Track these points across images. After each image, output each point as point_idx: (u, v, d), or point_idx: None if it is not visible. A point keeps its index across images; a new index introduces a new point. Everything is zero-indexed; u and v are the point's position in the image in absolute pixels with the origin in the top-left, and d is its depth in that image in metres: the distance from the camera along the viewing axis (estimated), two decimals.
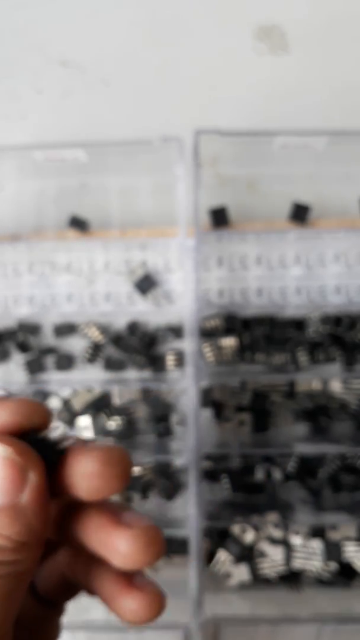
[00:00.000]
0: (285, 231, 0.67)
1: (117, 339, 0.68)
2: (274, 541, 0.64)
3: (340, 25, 0.71)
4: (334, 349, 0.66)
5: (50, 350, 0.68)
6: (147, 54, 0.71)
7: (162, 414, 0.67)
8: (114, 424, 0.66)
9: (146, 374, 0.68)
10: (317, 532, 0.64)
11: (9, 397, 0.25)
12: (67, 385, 0.68)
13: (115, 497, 0.66)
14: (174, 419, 0.67)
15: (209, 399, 0.66)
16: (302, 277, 0.68)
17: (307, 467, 0.65)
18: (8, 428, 0.24)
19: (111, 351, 0.68)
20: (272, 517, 0.62)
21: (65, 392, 0.68)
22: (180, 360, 0.66)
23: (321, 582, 0.64)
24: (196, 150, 0.58)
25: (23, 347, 0.68)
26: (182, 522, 0.62)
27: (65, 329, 0.68)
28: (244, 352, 0.66)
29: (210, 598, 0.60)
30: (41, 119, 0.72)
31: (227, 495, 0.65)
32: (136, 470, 0.65)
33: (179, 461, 0.65)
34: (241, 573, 0.63)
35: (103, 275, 0.69)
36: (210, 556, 0.64)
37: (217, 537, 0.65)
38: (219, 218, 0.66)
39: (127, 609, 0.25)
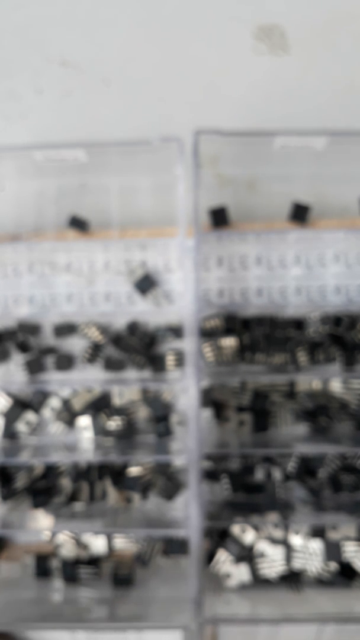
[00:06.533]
0: (285, 231, 0.67)
1: (117, 339, 0.68)
2: (274, 541, 0.64)
3: (340, 25, 0.71)
4: (334, 349, 0.66)
5: (50, 351, 0.68)
6: (147, 54, 0.71)
7: (162, 414, 0.67)
8: (114, 424, 0.66)
9: (146, 374, 0.68)
10: (317, 532, 0.64)
11: None
12: (67, 385, 0.68)
13: (116, 497, 0.66)
14: (174, 419, 0.67)
15: (209, 399, 0.66)
16: (302, 277, 0.68)
17: (307, 467, 0.65)
18: None
19: (111, 351, 0.68)
20: (272, 517, 0.62)
21: (65, 392, 0.68)
22: (180, 360, 0.66)
23: (321, 582, 0.64)
24: (196, 150, 0.58)
25: (23, 347, 0.68)
26: (182, 522, 0.62)
27: (65, 329, 0.68)
28: (244, 352, 0.66)
29: (210, 598, 0.60)
30: (41, 119, 0.72)
31: (227, 495, 0.65)
32: (136, 470, 0.65)
33: (179, 461, 0.65)
34: (241, 573, 0.63)
35: (103, 275, 0.69)
36: (210, 556, 0.64)
37: (217, 537, 0.65)
38: (219, 218, 0.66)
39: None
